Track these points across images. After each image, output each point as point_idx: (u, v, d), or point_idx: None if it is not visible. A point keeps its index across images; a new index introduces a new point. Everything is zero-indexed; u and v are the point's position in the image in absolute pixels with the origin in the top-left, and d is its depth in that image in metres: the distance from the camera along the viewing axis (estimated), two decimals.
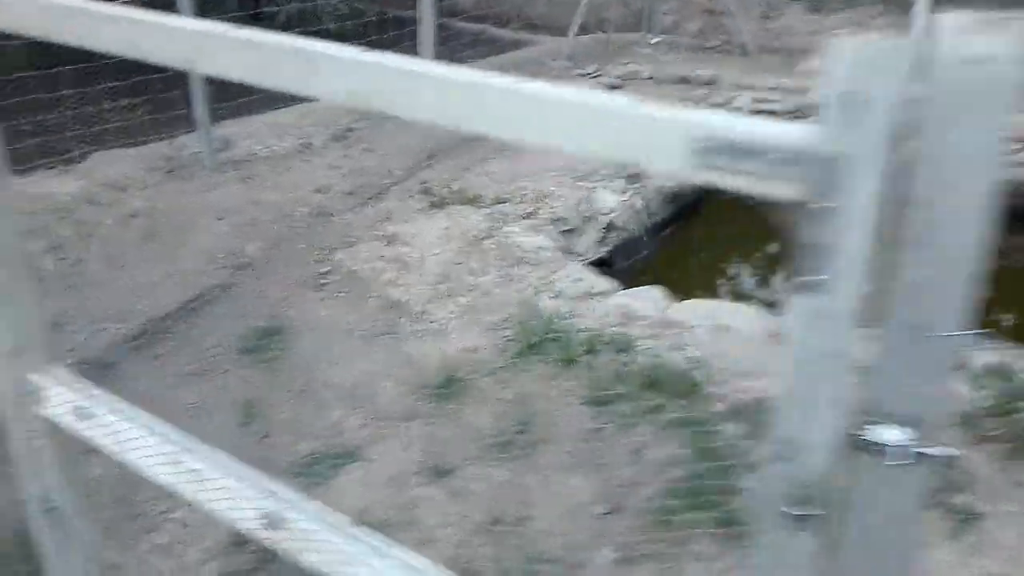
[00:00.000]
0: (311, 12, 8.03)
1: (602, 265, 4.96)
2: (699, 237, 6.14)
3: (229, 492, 1.37)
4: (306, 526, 1.35)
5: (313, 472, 3.05)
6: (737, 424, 3.24)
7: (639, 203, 5.51)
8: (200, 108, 5.00)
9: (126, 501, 2.87)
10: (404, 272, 4.18)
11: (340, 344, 3.72)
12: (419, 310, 3.93)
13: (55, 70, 5.36)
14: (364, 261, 4.25)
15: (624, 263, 5.27)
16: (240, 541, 2.75)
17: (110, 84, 5.49)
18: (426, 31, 6.17)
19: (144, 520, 2.83)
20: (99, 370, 3.37)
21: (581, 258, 4.82)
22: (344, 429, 3.28)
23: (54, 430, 1.63)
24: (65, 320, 3.71)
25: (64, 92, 5.23)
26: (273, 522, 1.34)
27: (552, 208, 5.01)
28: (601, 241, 5.14)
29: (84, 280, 3.85)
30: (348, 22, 7.51)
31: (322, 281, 4.08)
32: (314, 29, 7.64)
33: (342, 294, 4.01)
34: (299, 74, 0.96)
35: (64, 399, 1.55)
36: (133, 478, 2.84)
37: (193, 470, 1.40)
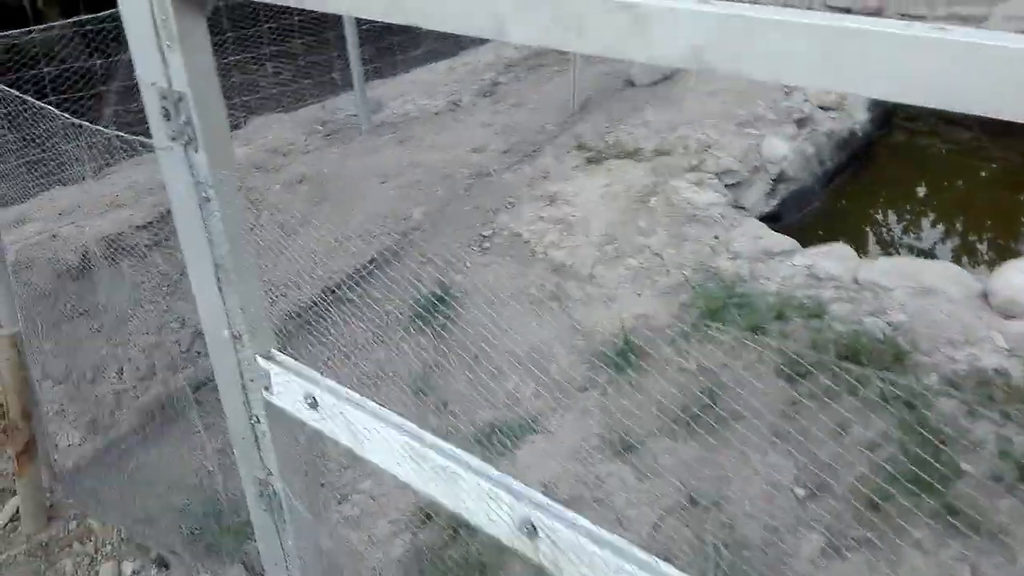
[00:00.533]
0: None
1: (772, 220, 4.64)
2: (873, 185, 5.65)
3: (481, 494, 1.27)
4: (567, 536, 1.23)
5: (495, 443, 2.98)
6: (954, 399, 2.92)
7: (810, 150, 5.11)
8: (356, 71, 4.98)
9: (314, 470, 2.90)
10: (568, 234, 4.03)
11: (508, 310, 3.63)
12: (586, 273, 3.78)
13: (218, 38, 5.47)
14: (526, 223, 4.13)
15: (795, 216, 4.91)
16: (427, 515, 2.73)
17: (266, 51, 5.56)
18: None
19: (333, 491, 2.85)
20: (280, 338, 3.42)
21: (749, 212, 4.52)
22: (520, 398, 3.19)
23: (279, 417, 1.60)
24: None
25: (226, 60, 5.33)
26: (531, 530, 1.23)
27: (718, 159, 4.70)
28: (771, 193, 4.80)
29: (260, 247, 3.91)
30: None
31: (486, 245, 3.99)
32: None
33: (507, 257, 3.91)
34: (620, 32, 0.78)
35: (293, 386, 1.50)
36: (318, 449, 2.83)
37: (440, 467, 1.30)
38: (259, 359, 1.59)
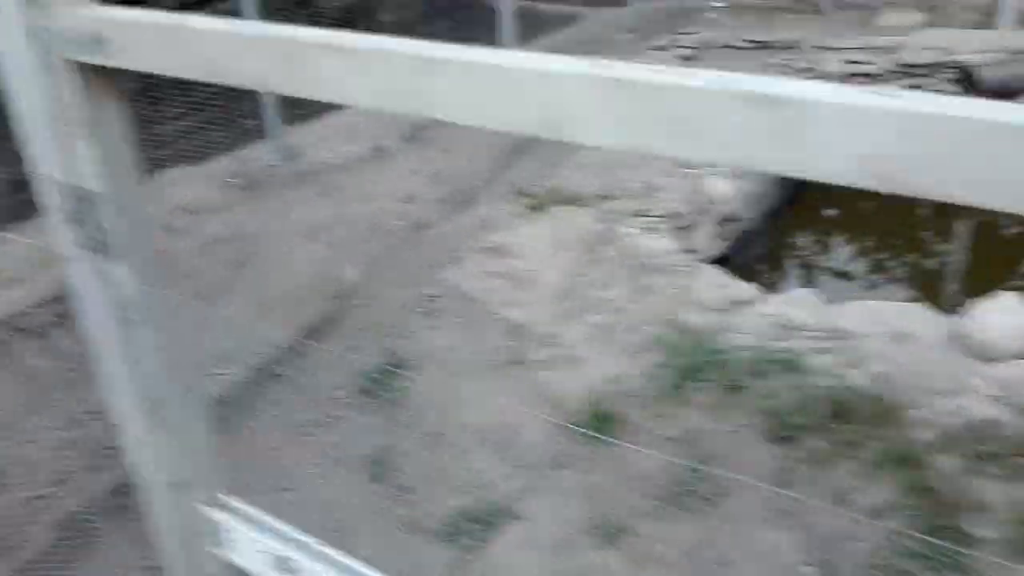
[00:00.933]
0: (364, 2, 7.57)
1: (723, 262, 4.48)
2: (816, 221, 5.59)
3: None
4: None
5: (466, 535, 2.64)
6: (953, 455, 2.76)
7: (752, 188, 5.00)
8: (271, 117, 4.59)
9: None
10: (520, 289, 3.74)
11: (465, 378, 3.30)
12: (545, 333, 3.49)
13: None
14: (473, 279, 3.82)
15: (745, 257, 4.78)
16: None
17: (174, 100, 5.11)
18: (506, 16, 5.69)
19: None
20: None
21: (701, 255, 4.34)
22: (489, 481, 2.86)
23: None
24: None
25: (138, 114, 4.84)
26: None
27: (663, 202, 4.52)
28: (719, 235, 4.65)
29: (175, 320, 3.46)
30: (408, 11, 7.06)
31: (432, 306, 3.65)
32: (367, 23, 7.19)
33: (456, 319, 3.58)
34: (756, 137, 0.53)
35: (248, 541, 1.16)
36: None
37: None
38: (206, 509, 1.26)
